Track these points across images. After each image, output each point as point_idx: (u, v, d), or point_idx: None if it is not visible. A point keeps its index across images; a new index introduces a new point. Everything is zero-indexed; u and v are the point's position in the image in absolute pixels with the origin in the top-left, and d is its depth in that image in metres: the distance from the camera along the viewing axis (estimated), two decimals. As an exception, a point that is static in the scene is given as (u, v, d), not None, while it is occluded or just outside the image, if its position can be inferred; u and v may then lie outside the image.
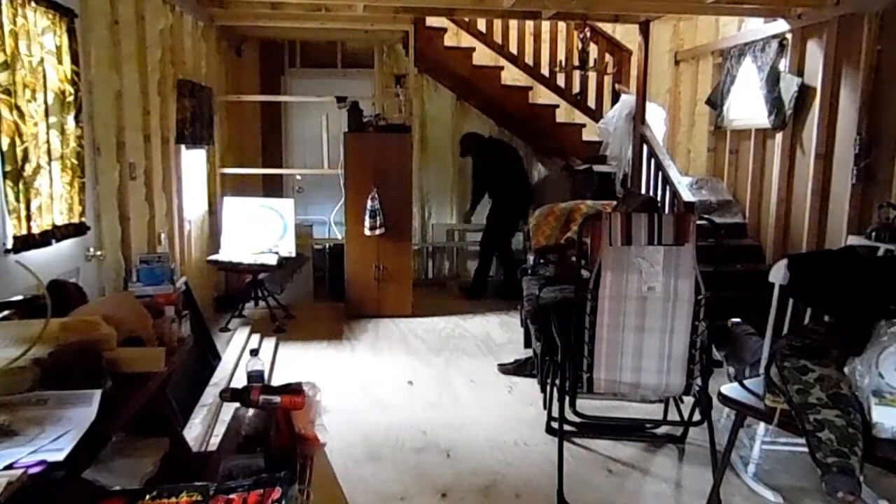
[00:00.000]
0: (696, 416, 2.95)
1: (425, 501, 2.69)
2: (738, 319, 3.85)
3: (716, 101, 5.77)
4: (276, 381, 2.68)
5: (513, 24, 6.04)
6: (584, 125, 6.40)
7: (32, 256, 2.62)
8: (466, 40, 6.18)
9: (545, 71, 6.19)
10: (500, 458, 3.04)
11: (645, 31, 5.68)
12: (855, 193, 4.32)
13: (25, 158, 2.61)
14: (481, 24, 6.05)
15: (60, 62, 2.93)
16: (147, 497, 1.41)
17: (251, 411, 1.77)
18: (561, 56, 6.08)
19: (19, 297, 2.12)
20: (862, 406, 2.02)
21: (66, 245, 3.00)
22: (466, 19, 5.93)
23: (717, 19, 5.88)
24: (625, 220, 2.60)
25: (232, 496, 1.39)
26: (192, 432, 3.02)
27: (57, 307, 1.85)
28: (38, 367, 1.66)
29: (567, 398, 2.95)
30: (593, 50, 6.08)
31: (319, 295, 6.07)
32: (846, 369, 2.12)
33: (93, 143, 3.32)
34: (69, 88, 2.99)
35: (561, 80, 6.25)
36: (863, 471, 1.87)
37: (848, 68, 4.42)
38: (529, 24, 6.05)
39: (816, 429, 1.95)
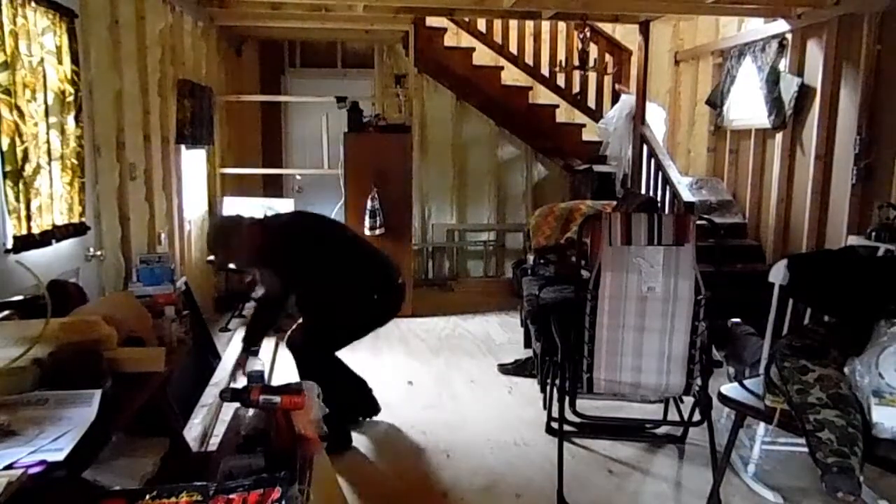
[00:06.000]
0: (696, 416, 2.94)
1: (425, 501, 2.69)
2: (738, 319, 3.85)
3: (716, 101, 5.76)
4: (276, 381, 2.68)
5: (513, 24, 6.04)
6: (584, 125, 6.40)
7: (32, 256, 2.62)
8: (466, 40, 6.18)
9: (545, 71, 6.20)
10: (500, 458, 3.04)
11: (645, 31, 5.68)
12: (855, 193, 4.32)
13: (25, 158, 2.61)
14: (481, 24, 6.05)
15: (60, 62, 2.93)
16: (147, 497, 1.40)
17: (251, 411, 1.77)
18: (561, 56, 6.09)
19: (19, 297, 2.12)
20: (862, 406, 2.01)
21: (66, 245, 3.00)
22: (466, 19, 5.94)
23: (717, 19, 5.87)
24: (625, 220, 2.60)
25: (232, 496, 1.39)
26: (192, 432, 3.01)
27: (57, 307, 1.85)
28: (38, 367, 1.66)
29: (567, 398, 2.95)
30: (593, 50, 6.08)
31: (319, 295, 6.06)
32: (846, 369, 2.11)
33: (93, 143, 3.31)
34: (69, 88, 2.99)
35: (561, 80, 6.26)
36: (863, 471, 1.87)
37: (848, 68, 4.41)
38: (529, 24, 6.05)
39: (816, 429, 1.95)
